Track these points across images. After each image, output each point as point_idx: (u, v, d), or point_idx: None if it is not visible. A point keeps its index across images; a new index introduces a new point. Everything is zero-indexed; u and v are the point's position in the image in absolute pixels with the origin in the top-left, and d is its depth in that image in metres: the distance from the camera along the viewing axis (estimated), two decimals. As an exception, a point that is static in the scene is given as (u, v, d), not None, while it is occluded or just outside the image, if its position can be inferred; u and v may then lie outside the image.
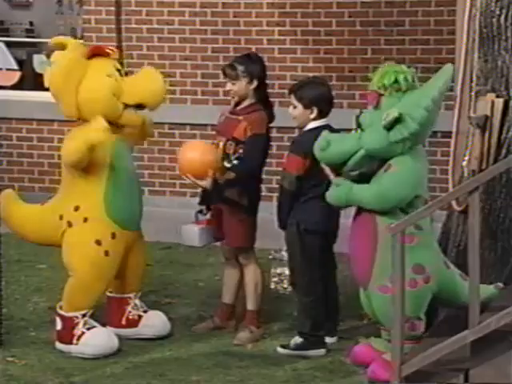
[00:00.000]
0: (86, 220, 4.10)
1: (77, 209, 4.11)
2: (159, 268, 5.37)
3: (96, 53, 4.20)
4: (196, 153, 4.16)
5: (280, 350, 4.21)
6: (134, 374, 3.98)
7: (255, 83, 4.26)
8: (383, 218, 3.76)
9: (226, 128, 4.33)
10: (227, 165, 4.27)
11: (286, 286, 4.21)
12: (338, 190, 3.81)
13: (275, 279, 4.22)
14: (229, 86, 4.31)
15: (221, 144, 4.31)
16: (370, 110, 3.81)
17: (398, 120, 3.67)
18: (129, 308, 4.30)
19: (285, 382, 3.91)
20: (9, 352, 4.18)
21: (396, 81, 3.71)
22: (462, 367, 3.69)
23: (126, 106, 4.19)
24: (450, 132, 4.36)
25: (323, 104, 4.09)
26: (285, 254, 4.19)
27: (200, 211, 4.38)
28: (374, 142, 3.72)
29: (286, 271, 4.17)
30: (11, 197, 4.34)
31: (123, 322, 4.29)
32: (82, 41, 4.59)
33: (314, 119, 4.09)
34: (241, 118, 4.29)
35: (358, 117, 3.84)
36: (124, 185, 4.15)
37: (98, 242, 4.08)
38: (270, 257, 4.27)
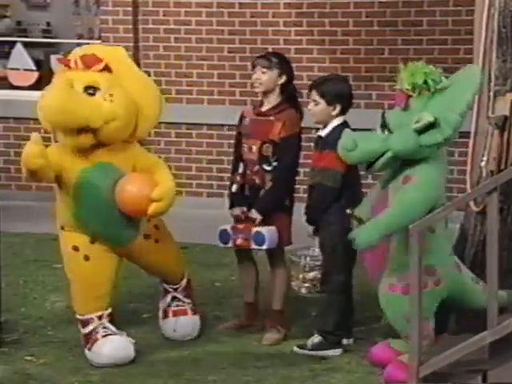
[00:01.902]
0: (62, 228, 4.05)
1: (56, 216, 4.06)
2: (176, 268, 5.36)
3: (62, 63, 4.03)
4: (133, 187, 3.92)
5: (297, 349, 4.20)
6: (151, 373, 3.98)
7: (284, 79, 4.26)
8: None
9: (257, 130, 4.28)
10: (267, 168, 4.24)
11: (318, 289, 4.13)
12: (364, 233, 3.71)
13: (307, 284, 4.13)
14: (258, 75, 4.27)
15: (254, 147, 4.28)
16: (395, 110, 3.76)
17: (431, 125, 3.62)
18: (168, 300, 4.27)
19: (302, 382, 3.90)
20: (27, 351, 4.19)
21: (425, 82, 3.66)
22: (480, 368, 3.67)
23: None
24: (468, 132, 4.33)
25: (345, 101, 4.07)
26: (302, 259, 4.12)
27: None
28: (404, 144, 3.66)
29: (318, 275, 4.10)
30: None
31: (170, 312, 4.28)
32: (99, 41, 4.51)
33: (336, 116, 4.08)
34: (272, 118, 4.26)
35: (383, 115, 3.79)
36: (95, 210, 3.95)
37: (76, 248, 4.00)
38: (292, 257, 4.19)
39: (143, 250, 4.18)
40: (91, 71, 3.94)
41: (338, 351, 4.16)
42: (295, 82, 6.28)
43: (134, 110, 3.96)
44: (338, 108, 4.06)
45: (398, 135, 3.69)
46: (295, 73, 6.34)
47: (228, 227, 4.30)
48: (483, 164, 4.12)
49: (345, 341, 4.22)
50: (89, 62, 3.95)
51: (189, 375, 3.96)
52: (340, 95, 4.06)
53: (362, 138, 3.80)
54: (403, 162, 3.74)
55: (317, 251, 4.12)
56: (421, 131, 3.63)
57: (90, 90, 3.91)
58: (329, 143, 4.05)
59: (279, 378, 3.93)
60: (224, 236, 4.31)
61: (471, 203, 4.12)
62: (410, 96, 3.69)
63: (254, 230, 4.21)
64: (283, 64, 4.29)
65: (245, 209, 4.28)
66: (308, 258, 4.13)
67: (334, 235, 4.06)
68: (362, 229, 3.74)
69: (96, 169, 3.97)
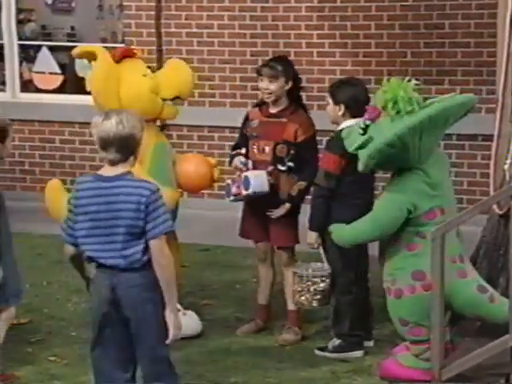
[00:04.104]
0: None
1: None
2: (197, 269, 5.40)
3: (125, 55, 4.27)
4: (190, 166, 4.29)
5: (318, 352, 4.21)
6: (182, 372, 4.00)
7: (290, 84, 4.32)
8: None
9: (270, 132, 4.33)
10: (282, 168, 4.30)
11: (329, 300, 4.14)
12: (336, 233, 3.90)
13: (318, 296, 4.11)
14: (265, 85, 4.31)
15: (267, 148, 4.33)
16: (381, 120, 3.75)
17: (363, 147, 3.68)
18: None
19: (323, 384, 3.93)
20: (50, 351, 4.24)
21: (386, 106, 3.66)
22: (502, 372, 3.66)
23: (164, 100, 4.27)
24: (491, 135, 4.32)
25: (351, 103, 4.09)
26: (304, 271, 4.12)
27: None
28: (361, 157, 3.74)
29: (327, 286, 4.11)
30: (56, 187, 4.39)
31: None
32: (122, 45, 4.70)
33: (343, 116, 4.11)
34: (285, 120, 4.32)
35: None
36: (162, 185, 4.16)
37: None
38: (296, 272, 4.17)
39: (171, 248, 4.30)
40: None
41: (359, 353, 4.16)
42: (318, 84, 6.34)
43: None
44: (343, 109, 4.09)
45: (363, 149, 3.72)
46: (318, 76, 6.39)
47: (230, 181, 4.40)
48: (507, 167, 4.11)
49: (365, 343, 4.22)
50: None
51: (210, 376, 3.98)
52: (344, 97, 4.09)
53: (356, 132, 3.82)
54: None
55: (319, 264, 4.13)
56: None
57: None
58: (330, 145, 4.13)
59: (301, 379, 3.94)
60: (227, 189, 4.37)
61: (494, 206, 4.11)
62: (381, 112, 3.70)
63: (243, 175, 4.27)
64: (288, 70, 4.33)
65: (242, 158, 4.33)
66: (310, 270, 4.12)
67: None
68: (338, 228, 3.89)
69: (162, 146, 4.23)
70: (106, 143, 3.06)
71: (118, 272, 3.10)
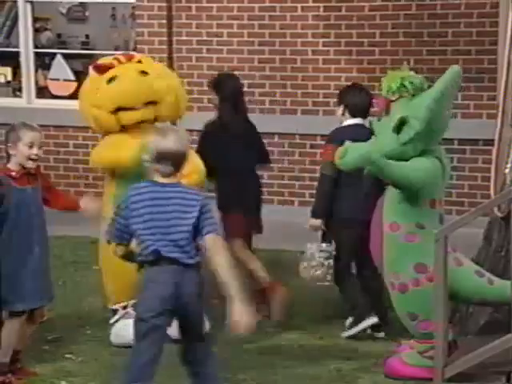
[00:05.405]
0: (103, 218, 4.18)
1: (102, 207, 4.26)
2: (207, 270, 5.51)
3: (107, 68, 4.23)
4: None
5: (345, 334, 4.37)
6: (182, 373, 4.02)
7: (217, 96, 4.76)
8: (388, 215, 3.83)
9: None
10: None
11: (322, 275, 4.38)
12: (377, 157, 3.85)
13: (331, 271, 4.35)
14: None
15: None
16: (382, 117, 3.91)
17: (403, 122, 3.76)
18: None
19: (329, 382, 3.97)
20: (66, 349, 4.33)
21: (403, 85, 3.80)
22: (504, 370, 3.71)
23: (117, 111, 4.08)
24: (492, 140, 4.43)
25: (349, 105, 4.41)
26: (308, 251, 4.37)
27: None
28: (385, 146, 3.79)
29: (323, 261, 4.37)
30: None
31: None
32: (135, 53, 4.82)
33: (343, 115, 4.44)
34: None
35: (370, 123, 4.04)
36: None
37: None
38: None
39: None
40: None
41: (372, 320, 4.29)
42: (323, 90, 6.43)
43: None
44: (341, 109, 4.45)
45: (381, 138, 3.83)
46: (323, 82, 6.48)
47: None
48: (507, 171, 4.19)
49: (375, 334, 4.35)
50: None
51: (220, 374, 4.01)
52: (344, 99, 4.46)
53: (353, 146, 3.95)
54: None
55: (323, 245, 4.36)
56: (398, 131, 3.78)
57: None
58: (328, 138, 4.47)
59: (307, 377, 4.01)
60: None
61: (495, 209, 4.21)
62: (391, 101, 3.82)
63: None
64: (215, 84, 4.78)
65: None
66: (315, 246, 4.36)
67: (332, 226, 4.34)
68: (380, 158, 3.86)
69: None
70: (162, 157, 3.32)
71: (181, 269, 3.30)
